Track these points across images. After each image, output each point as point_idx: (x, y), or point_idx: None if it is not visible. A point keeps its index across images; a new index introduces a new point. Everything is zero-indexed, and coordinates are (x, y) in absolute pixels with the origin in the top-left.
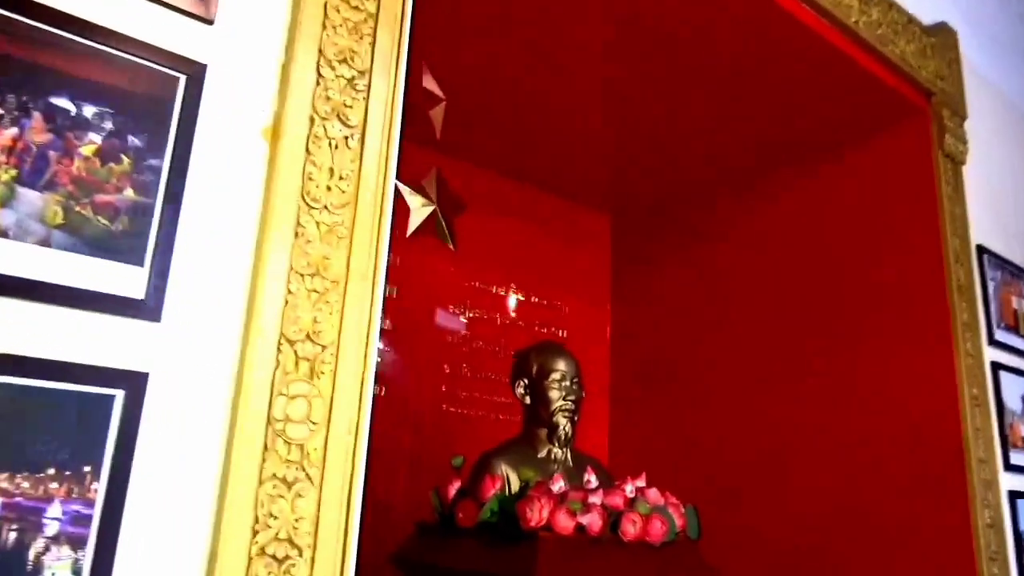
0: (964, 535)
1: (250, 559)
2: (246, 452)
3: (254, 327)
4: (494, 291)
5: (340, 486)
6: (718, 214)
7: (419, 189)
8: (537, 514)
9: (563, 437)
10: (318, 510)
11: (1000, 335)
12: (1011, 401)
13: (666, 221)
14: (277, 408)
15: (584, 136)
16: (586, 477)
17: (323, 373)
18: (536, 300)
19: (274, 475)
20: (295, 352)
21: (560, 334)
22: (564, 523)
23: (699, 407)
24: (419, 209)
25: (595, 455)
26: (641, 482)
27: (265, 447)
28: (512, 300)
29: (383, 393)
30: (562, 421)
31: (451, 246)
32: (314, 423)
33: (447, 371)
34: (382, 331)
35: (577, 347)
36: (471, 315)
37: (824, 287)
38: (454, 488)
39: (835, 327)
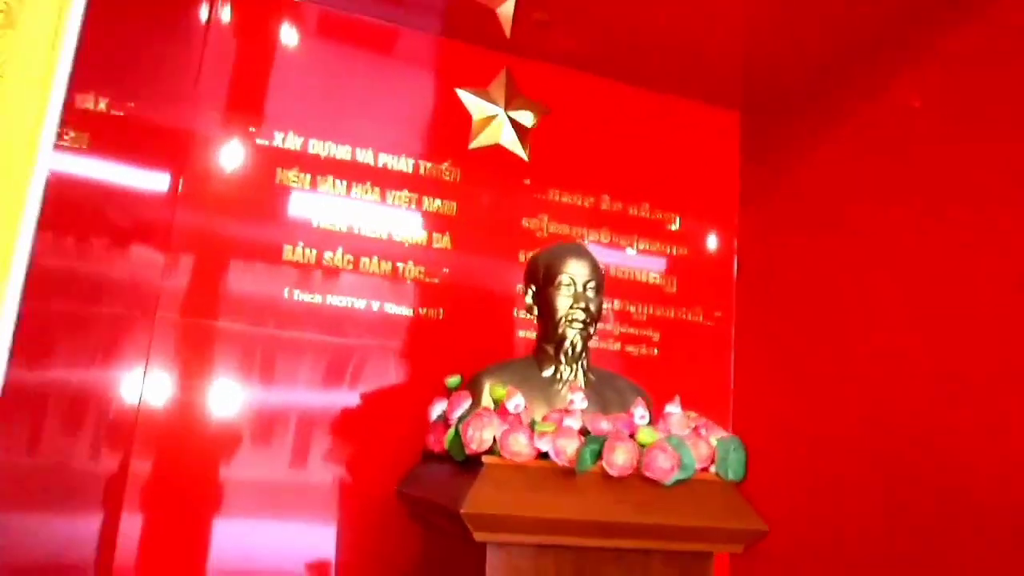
0: None
1: None
2: None
3: None
4: (580, 203)
5: None
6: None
7: (483, 94)
8: (477, 436)
9: (570, 352)
10: None
11: None
12: None
13: (799, 116)
14: None
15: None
16: (569, 397)
17: None
18: (636, 212)
19: None
20: None
21: (670, 251)
22: (518, 448)
23: (838, 343)
24: (483, 117)
25: (714, 396)
26: (674, 407)
27: None
28: (605, 209)
29: (440, 317)
30: (570, 333)
31: (523, 156)
32: None
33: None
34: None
35: (692, 267)
36: (550, 231)
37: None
38: (436, 410)
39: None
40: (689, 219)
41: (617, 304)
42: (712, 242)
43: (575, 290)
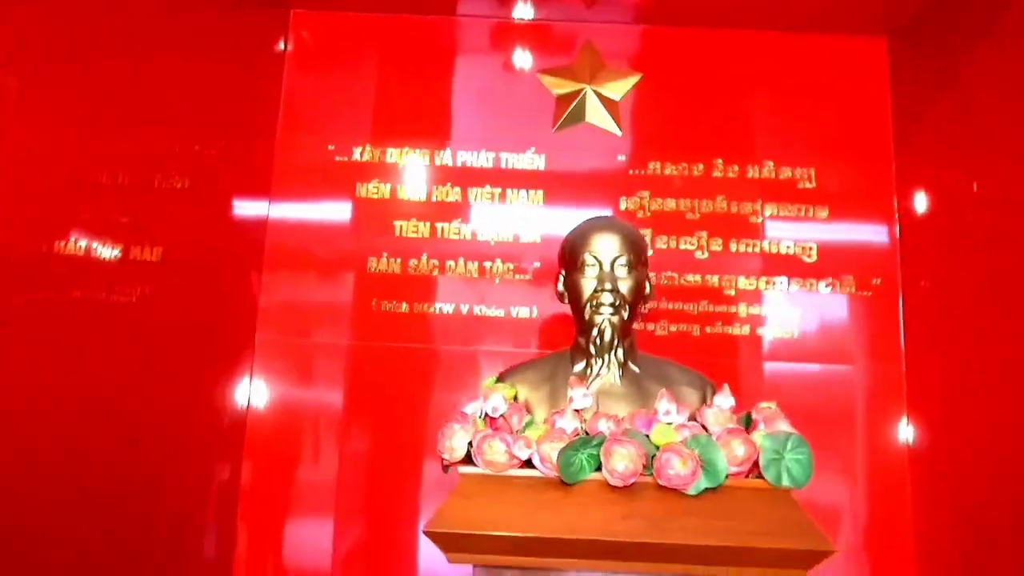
0: None
1: None
2: None
3: None
4: (687, 172)
5: None
6: None
7: (564, 72)
8: (447, 444)
9: (599, 341)
10: None
11: None
12: None
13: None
14: None
15: None
16: (569, 394)
17: None
18: (757, 173)
19: None
20: None
21: (805, 213)
22: (493, 456)
23: None
24: (565, 95)
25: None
26: (723, 396)
27: None
28: (718, 177)
29: (533, 316)
30: (597, 320)
31: (615, 130)
32: None
33: None
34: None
35: (836, 229)
36: (653, 209)
37: None
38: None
39: None
40: (827, 173)
41: (742, 283)
42: (860, 196)
43: (600, 271)
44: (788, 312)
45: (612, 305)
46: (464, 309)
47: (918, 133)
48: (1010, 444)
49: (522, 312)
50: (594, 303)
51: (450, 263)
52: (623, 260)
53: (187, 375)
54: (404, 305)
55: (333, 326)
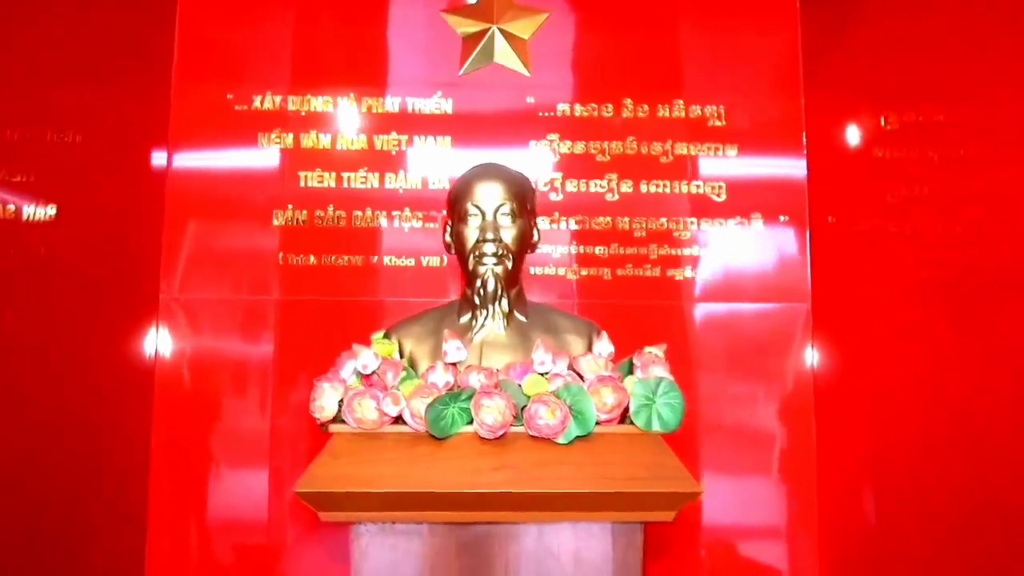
0: None
1: None
2: None
3: None
4: (596, 114)
5: None
6: None
7: (470, 11)
8: (318, 404)
9: (483, 293)
10: None
11: None
12: None
13: None
14: None
15: None
16: (443, 347)
17: None
18: (667, 112)
19: None
20: None
21: (714, 151)
22: (362, 414)
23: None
24: (471, 35)
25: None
26: (605, 345)
27: None
28: (627, 118)
29: (443, 264)
30: (480, 270)
31: (523, 71)
32: None
33: None
34: None
35: (745, 166)
36: (562, 152)
37: None
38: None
39: None
40: (737, 110)
41: (653, 224)
42: (770, 133)
43: (483, 220)
44: (699, 251)
45: (495, 255)
46: (374, 260)
47: (827, 68)
48: (906, 376)
49: (433, 261)
50: (477, 253)
51: (357, 213)
52: (506, 209)
53: (87, 332)
54: (312, 257)
55: (239, 279)
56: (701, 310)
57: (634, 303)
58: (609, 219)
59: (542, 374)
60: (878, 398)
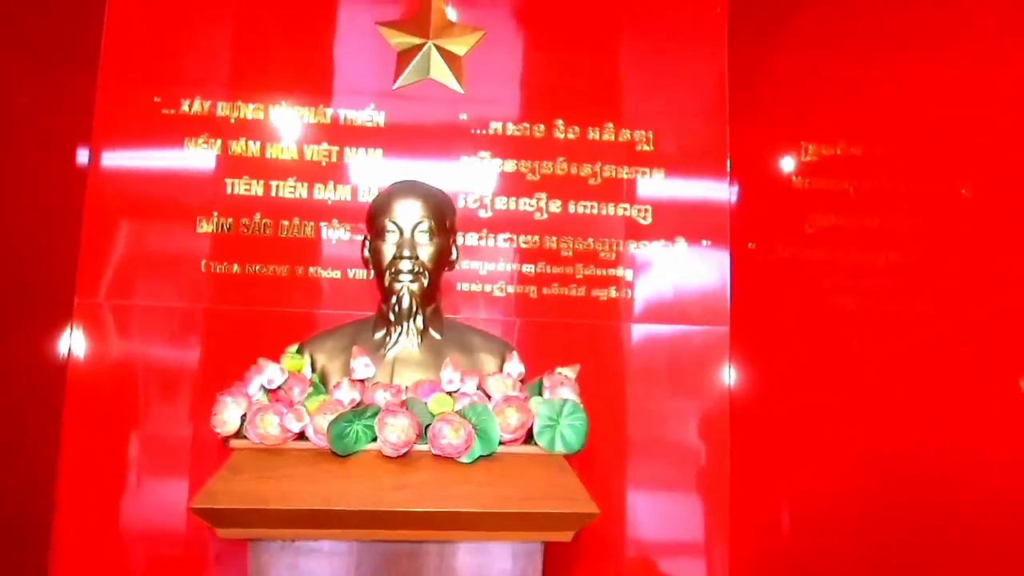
0: None
1: None
2: None
3: None
4: (528, 133)
5: None
6: None
7: (406, 25)
8: (219, 419)
9: (398, 310)
10: None
11: None
12: None
13: None
14: None
15: None
16: (352, 364)
17: None
18: (597, 135)
19: None
20: None
21: (641, 175)
22: (264, 430)
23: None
24: (407, 50)
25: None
26: (515, 365)
27: None
28: (559, 138)
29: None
30: (396, 287)
31: (457, 88)
32: None
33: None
34: None
35: (671, 190)
36: (496, 168)
37: None
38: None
39: None
40: (665, 136)
41: (580, 244)
42: (696, 159)
43: (400, 237)
44: (623, 272)
45: (411, 272)
46: (299, 271)
47: (752, 98)
48: (817, 397)
49: (360, 273)
50: (393, 270)
51: (284, 223)
52: (424, 226)
53: None
54: (236, 266)
55: (161, 285)
56: (625, 330)
57: (559, 321)
58: (537, 238)
59: (450, 393)
60: (790, 418)
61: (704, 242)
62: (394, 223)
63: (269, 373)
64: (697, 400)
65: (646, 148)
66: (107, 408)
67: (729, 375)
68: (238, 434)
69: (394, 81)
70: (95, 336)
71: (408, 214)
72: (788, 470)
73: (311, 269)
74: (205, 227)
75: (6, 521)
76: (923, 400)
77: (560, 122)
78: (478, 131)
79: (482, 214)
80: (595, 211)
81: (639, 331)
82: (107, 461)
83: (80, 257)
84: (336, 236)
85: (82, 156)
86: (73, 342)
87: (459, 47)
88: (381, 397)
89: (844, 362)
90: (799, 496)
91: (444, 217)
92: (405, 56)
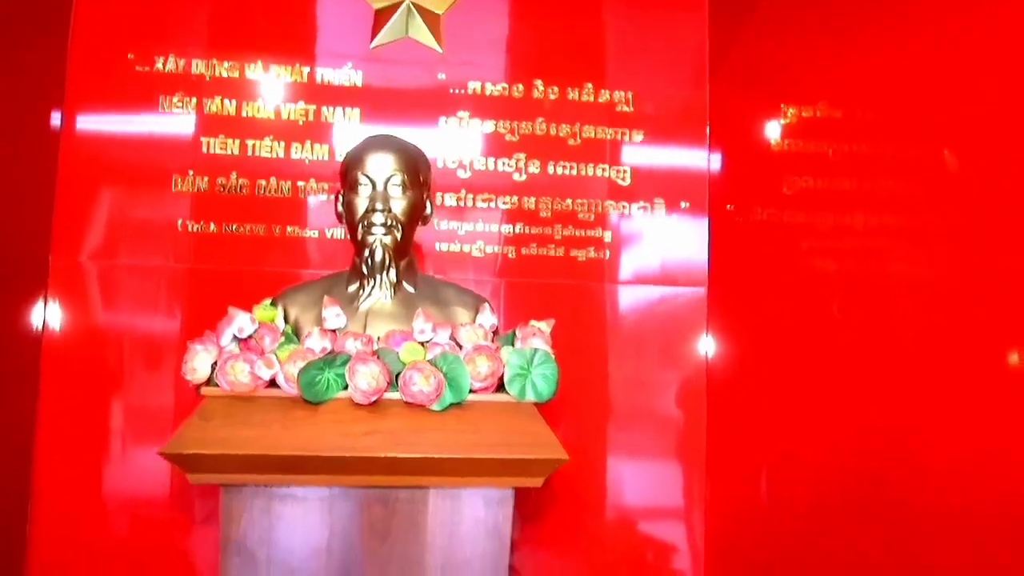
0: None
1: None
2: None
3: None
4: (507, 93)
5: None
6: None
7: None
8: (190, 367)
9: (371, 263)
10: None
11: None
12: None
13: None
14: None
15: None
16: (323, 314)
17: None
18: (577, 95)
19: None
20: None
21: (620, 137)
22: (235, 377)
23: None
24: (385, 8)
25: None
26: (487, 317)
27: None
28: (538, 99)
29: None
30: (369, 240)
31: (436, 47)
32: None
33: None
34: None
35: (650, 152)
36: (474, 128)
37: None
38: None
39: None
40: (645, 96)
41: (559, 205)
42: (675, 120)
43: (372, 190)
44: (602, 233)
45: (384, 225)
46: (276, 230)
47: (732, 58)
48: (794, 359)
49: (337, 233)
50: (366, 223)
51: (261, 182)
52: (397, 180)
53: None
54: (212, 225)
55: (137, 247)
56: (605, 291)
57: (539, 282)
58: (516, 198)
59: (421, 343)
60: (767, 380)
61: (683, 203)
62: (367, 176)
63: (239, 322)
64: (675, 359)
65: (626, 109)
66: (85, 369)
67: (707, 336)
68: (209, 382)
69: (371, 40)
70: (71, 298)
71: (381, 167)
72: (764, 433)
73: (288, 228)
74: (181, 186)
75: None
76: (903, 365)
77: (540, 82)
78: (457, 91)
79: (461, 174)
80: (575, 172)
81: (618, 291)
82: (86, 422)
83: (55, 218)
84: (314, 196)
85: (55, 117)
86: (48, 305)
87: (438, 5)
88: (352, 345)
89: (822, 325)
90: (774, 459)
91: (417, 171)
92: (383, 14)
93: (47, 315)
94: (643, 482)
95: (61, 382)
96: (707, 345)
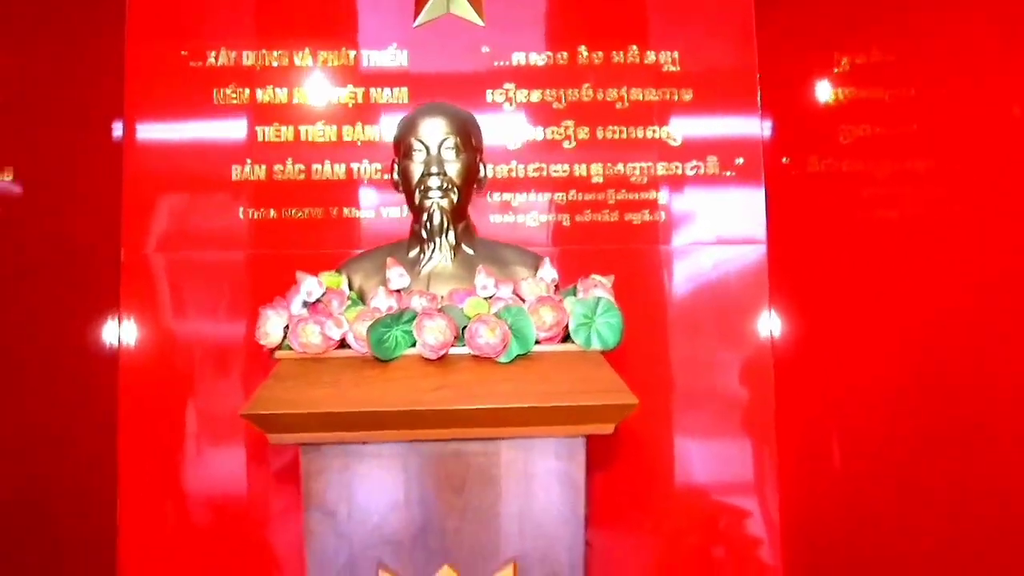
0: None
1: None
2: None
3: None
4: (551, 61)
5: None
6: None
7: None
8: (263, 331)
9: (430, 227)
10: None
11: None
12: None
13: None
14: None
15: None
16: (387, 275)
17: None
18: (622, 59)
19: None
20: None
21: (669, 97)
22: (307, 339)
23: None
24: None
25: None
26: (547, 271)
27: None
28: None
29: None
30: (426, 204)
31: (477, 21)
32: None
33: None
34: None
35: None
36: (519, 100)
37: None
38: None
39: None
40: (691, 55)
41: (611, 170)
42: (724, 76)
43: (427, 155)
44: (655, 196)
45: (440, 188)
46: (333, 212)
47: (780, 10)
48: (867, 335)
49: (393, 212)
50: (422, 187)
51: (316, 166)
52: (450, 143)
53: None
54: (272, 212)
55: (202, 239)
56: (662, 253)
57: (594, 248)
58: (567, 166)
59: (485, 298)
60: (833, 339)
61: (738, 159)
62: (420, 142)
63: (308, 286)
64: (737, 319)
65: (672, 69)
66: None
67: (768, 291)
68: (281, 346)
69: (415, 19)
70: (141, 290)
71: (434, 132)
72: (834, 395)
73: (345, 210)
74: (240, 176)
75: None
76: (972, 314)
77: (583, 48)
78: (501, 63)
79: (510, 145)
80: (624, 136)
81: (674, 253)
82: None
83: (123, 218)
84: (368, 176)
85: (117, 128)
86: (123, 302)
87: None
88: (417, 303)
89: (885, 275)
90: (846, 423)
91: (469, 134)
92: None
93: (121, 310)
94: (710, 443)
95: (137, 370)
96: (769, 297)
